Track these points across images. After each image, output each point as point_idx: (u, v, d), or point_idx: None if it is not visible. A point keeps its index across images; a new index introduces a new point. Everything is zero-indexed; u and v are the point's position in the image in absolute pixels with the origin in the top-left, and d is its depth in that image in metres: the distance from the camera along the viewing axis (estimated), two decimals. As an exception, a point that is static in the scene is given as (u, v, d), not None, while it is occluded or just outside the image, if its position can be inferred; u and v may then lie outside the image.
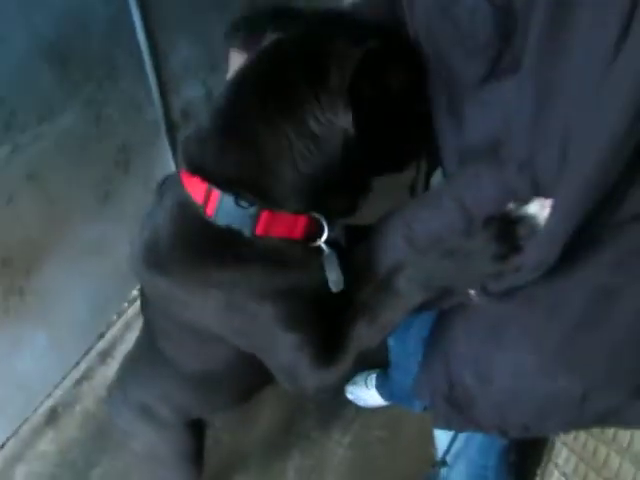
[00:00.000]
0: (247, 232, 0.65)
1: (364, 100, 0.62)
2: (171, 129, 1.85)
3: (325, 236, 0.69)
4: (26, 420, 1.68)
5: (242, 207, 0.64)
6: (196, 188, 0.66)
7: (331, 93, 0.59)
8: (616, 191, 0.51)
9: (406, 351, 1.37)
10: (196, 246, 0.69)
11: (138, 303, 2.06)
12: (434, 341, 0.87)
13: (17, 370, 1.52)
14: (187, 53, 1.87)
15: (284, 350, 0.71)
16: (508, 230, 0.59)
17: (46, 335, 1.59)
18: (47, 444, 1.69)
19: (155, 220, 0.73)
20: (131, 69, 1.63)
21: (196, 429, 1.13)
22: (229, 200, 0.64)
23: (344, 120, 0.60)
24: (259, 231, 0.65)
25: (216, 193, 0.65)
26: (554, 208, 0.54)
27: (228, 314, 0.71)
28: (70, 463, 1.64)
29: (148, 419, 1.07)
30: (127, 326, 1.99)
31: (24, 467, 1.64)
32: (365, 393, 1.72)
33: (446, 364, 0.81)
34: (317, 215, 0.68)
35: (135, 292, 2.07)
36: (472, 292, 0.65)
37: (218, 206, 0.65)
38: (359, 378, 1.75)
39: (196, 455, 1.17)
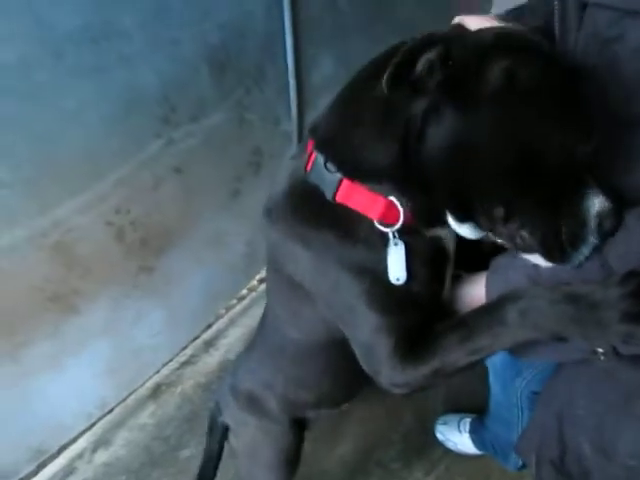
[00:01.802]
0: (329, 195, 0.68)
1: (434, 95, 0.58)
2: (302, 141, 1.93)
3: (398, 225, 0.66)
4: (134, 391, 1.82)
5: (328, 171, 0.68)
6: (308, 147, 0.73)
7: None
8: None
9: (509, 402, 1.28)
10: (293, 197, 0.74)
11: (246, 301, 2.18)
12: (548, 396, 0.80)
13: (135, 341, 1.66)
14: (328, 71, 1.95)
15: (365, 328, 0.71)
16: None
17: (164, 314, 1.71)
18: (147, 417, 1.81)
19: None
20: (277, 81, 1.73)
21: (298, 430, 1.13)
22: (320, 161, 0.69)
23: (416, 106, 0.59)
24: (338, 197, 0.68)
25: (315, 153, 0.70)
26: None
27: (316, 273, 0.73)
28: (164, 439, 1.75)
29: (254, 411, 1.10)
30: (232, 321, 2.09)
31: (125, 433, 1.77)
32: (456, 436, 1.62)
33: (559, 425, 0.73)
34: (396, 201, 0.66)
35: (245, 291, 2.18)
36: (600, 350, 0.58)
37: (313, 165, 0.70)
38: (452, 419, 1.66)
39: (293, 458, 1.16)
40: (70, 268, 1.31)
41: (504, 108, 0.56)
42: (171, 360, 1.91)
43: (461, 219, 0.65)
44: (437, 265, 0.72)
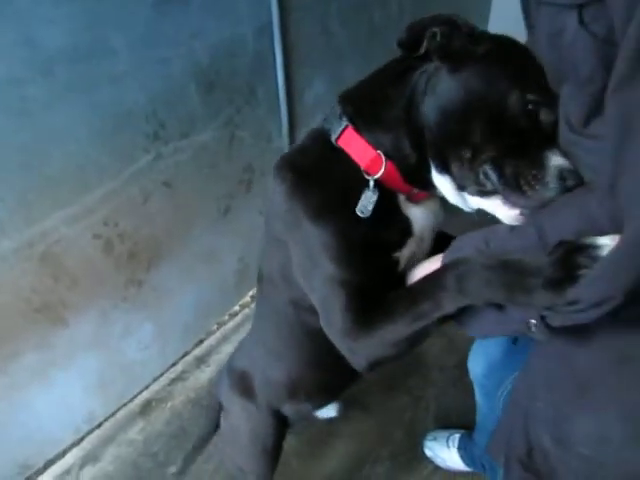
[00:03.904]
0: (333, 137, 0.79)
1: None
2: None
3: (378, 175, 0.76)
4: (123, 406, 1.82)
5: (340, 118, 0.79)
6: None
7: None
8: None
9: (494, 412, 1.27)
10: (304, 140, 0.86)
11: (238, 317, 2.18)
12: (516, 394, 0.81)
13: (124, 355, 1.67)
14: (320, 90, 2.00)
15: (321, 278, 0.77)
16: (570, 258, 0.54)
17: (153, 329, 1.72)
18: (137, 433, 1.80)
19: None
20: (268, 100, 1.78)
21: (277, 423, 1.15)
22: (337, 110, 0.80)
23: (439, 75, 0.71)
24: (340, 141, 0.79)
25: (337, 107, 0.81)
26: (617, 244, 0.49)
27: (292, 224, 0.80)
28: (152, 455, 1.74)
29: (241, 391, 1.14)
30: (225, 338, 2.10)
31: (113, 449, 1.76)
32: (445, 452, 1.61)
33: (525, 422, 0.74)
34: (382, 156, 0.76)
35: (237, 307, 2.19)
36: (532, 322, 0.59)
37: (329, 114, 0.82)
38: (441, 435, 1.65)
39: (272, 449, 1.19)
40: (57, 279, 1.33)
41: (481, 72, 0.69)
42: (161, 375, 1.92)
43: (441, 169, 0.74)
44: (397, 230, 0.80)
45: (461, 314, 0.68)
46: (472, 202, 0.74)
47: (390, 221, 0.79)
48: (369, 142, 0.77)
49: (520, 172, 0.64)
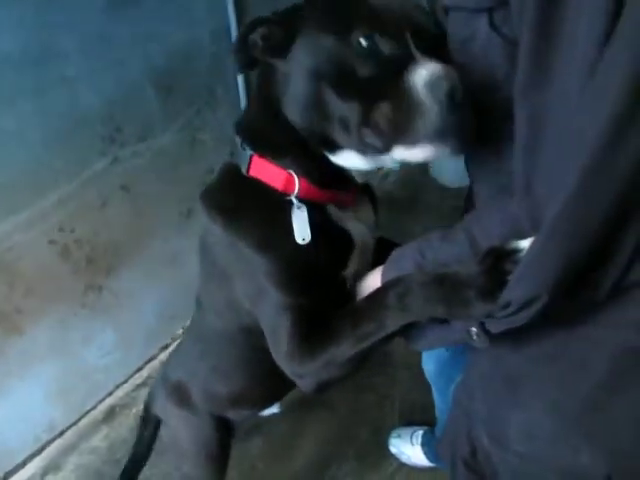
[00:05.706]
0: (244, 170, 0.78)
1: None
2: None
3: (295, 192, 0.74)
4: (86, 414, 1.79)
5: (243, 149, 0.78)
6: None
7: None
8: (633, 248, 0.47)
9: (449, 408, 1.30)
10: (219, 176, 0.84)
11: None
12: (459, 395, 0.82)
13: (85, 362, 1.64)
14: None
15: (269, 307, 0.76)
16: (497, 265, 0.56)
17: (115, 334, 1.70)
18: (100, 440, 1.78)
19: None
20: (228, 102, 1.77)
21: (220, 427, 1.13)
22: (238, 142, 0.79)
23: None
24: (251, 171, 0.77)
25: (237, 139, 0.80)
26: (535, 241, 0.50)
27: (232, 254, 0.78)
28: (116, 462, 1.71)
29: (179, 401, 1.11)
30: (191, 342, 2.08)
31: (75, 458, 1.73)
32: (409, 449, 1.63)
33: (467, 422, 0.75)
34: (293, 173, 0.74)
35: (204, 311, 2.17)
36: (473, 330, 0.60)
37: (234, 147, 0.81)
38: (405, 432, 1.67)
39: (217, 453, 1.16)
40: (12, 287, 1.30)
41: (305, 44, 0.67)
42: (126, 382, 1.89)
43: (333, 153, 0.72)
44: (339, 246, 0.78)
45: (406, 330, 0.68)
46: (380, 162, 0.71)
47: (330, 237, 0.77)
48: (276, 164, 0.76)
49: (394, 118, 0.59)
